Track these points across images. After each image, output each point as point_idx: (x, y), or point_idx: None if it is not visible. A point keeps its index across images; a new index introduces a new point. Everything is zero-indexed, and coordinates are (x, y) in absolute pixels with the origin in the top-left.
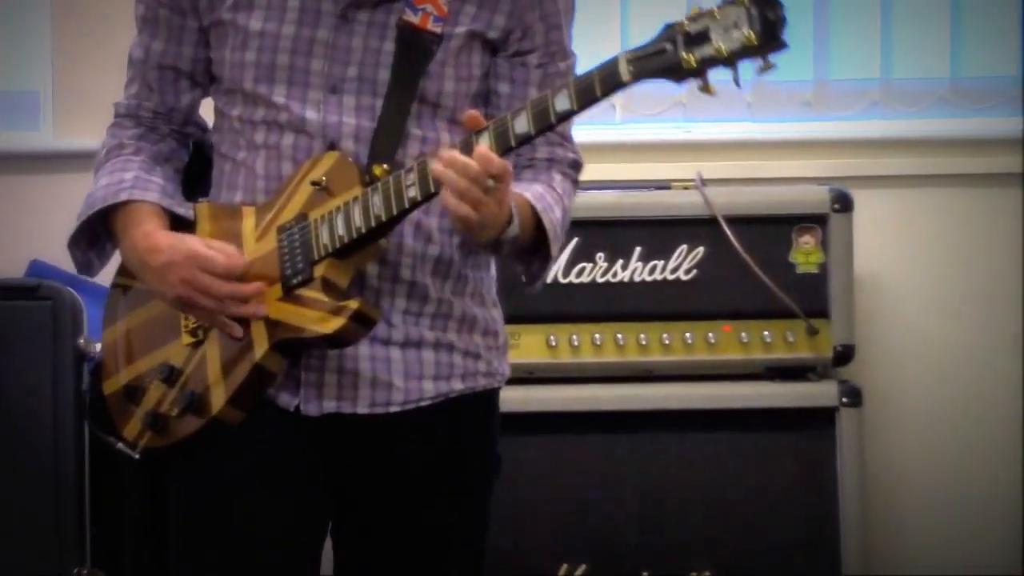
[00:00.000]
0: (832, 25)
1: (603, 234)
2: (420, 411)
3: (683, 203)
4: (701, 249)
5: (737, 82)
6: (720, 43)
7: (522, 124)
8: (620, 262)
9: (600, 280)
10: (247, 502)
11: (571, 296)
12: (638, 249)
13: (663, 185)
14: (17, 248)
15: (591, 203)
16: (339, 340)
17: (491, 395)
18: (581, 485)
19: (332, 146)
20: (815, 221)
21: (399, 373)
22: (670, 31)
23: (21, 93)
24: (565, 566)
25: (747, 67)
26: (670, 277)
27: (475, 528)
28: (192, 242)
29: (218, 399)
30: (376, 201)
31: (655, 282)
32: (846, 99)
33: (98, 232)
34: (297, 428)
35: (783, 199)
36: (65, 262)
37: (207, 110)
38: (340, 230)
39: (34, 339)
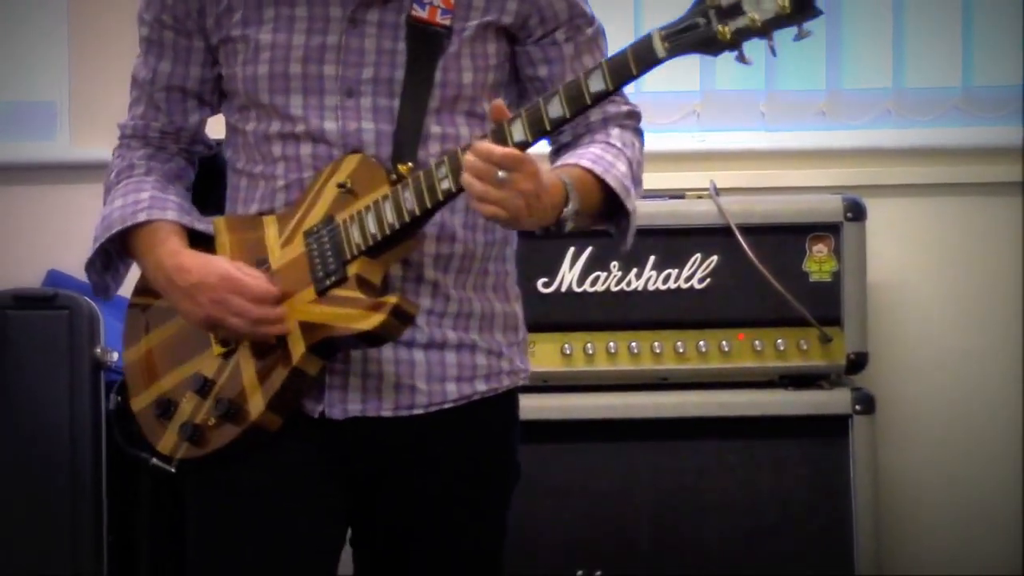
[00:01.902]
0: (845, 35)
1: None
2: (443, 413)
3: (697, 212)
4: (715, 258)
5: (773, 51)
6: (754, 14)
7: (556, 108)
8: (634, 271)
9: (614, 289)
10: (267, 511)
11: (585, 305)
12: (652, 258)
13: (677, 194)
14: (34, 258)
15: None
16: (379, 336)
17: (513, 395)
18: (595, 492)
19: (355, 150)
20: (828, 230)
21: (422, 376)
22: (701, 5)
23: (37, 103)
24: (580, 572)
25: (784, 35)
26: (684, 286)
27: (495, 534)
28: (224, 264)
29: (256, 405)
30: (408, 196)
31: (669, 291)
32: (859, 108)
33: (111, 254)
34: (320, 433)
35: (796, 208)
36: (82, 272)
37: (215, 126)
38: (372, 228)
39: (51, 348)
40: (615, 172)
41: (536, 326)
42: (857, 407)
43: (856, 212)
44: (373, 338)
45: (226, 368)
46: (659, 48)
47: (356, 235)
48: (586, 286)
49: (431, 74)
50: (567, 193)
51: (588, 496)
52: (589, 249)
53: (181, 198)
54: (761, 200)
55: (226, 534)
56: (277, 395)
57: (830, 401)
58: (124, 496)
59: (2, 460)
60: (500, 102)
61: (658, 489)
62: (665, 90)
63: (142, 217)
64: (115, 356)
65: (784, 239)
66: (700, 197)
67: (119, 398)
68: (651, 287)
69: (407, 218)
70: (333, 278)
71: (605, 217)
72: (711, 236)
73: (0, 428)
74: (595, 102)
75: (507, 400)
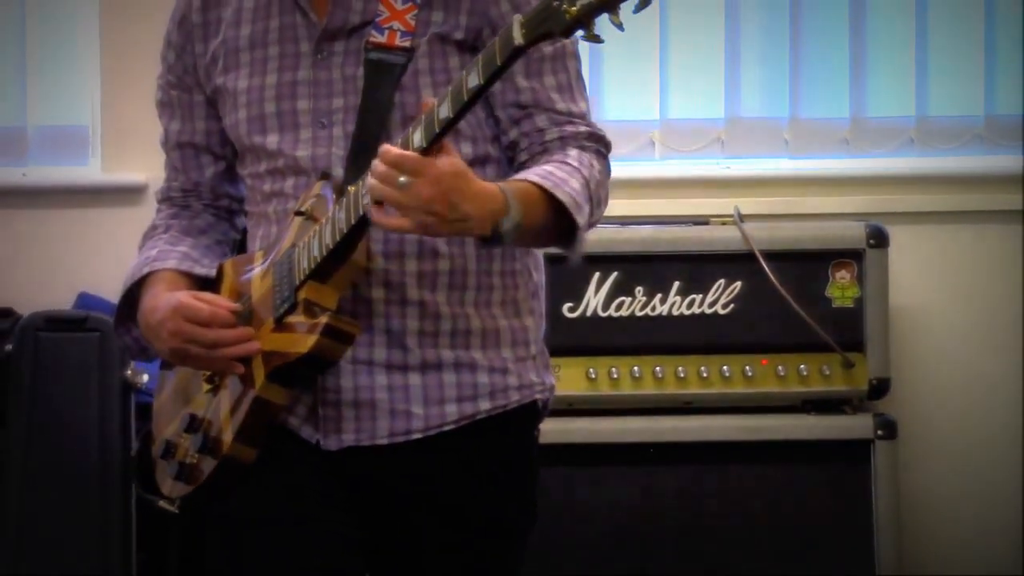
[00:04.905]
0: (869, 63)
1: (642, 268)
2: (445, 436)
3: (721, 238)
4: (739, 283)
5: (620, 26)
6: None
7: (444, 110)
8: (659, 296)
9: (639, 314)
10: (278, 539)
11: (610, 329)
12: (676, 283)
13: (701, 220)
14: (65, 280)
15: (630, 238)
16: (318, 358)
17: (526, 413)
18: (619, 516)
19: (325, 175)
20: (851, 256)
21: (418, 400)
22: None
23: (70, 127)
24: None
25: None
26: (708, 311)
27: (508, 561)
28: (179, 295)
29: (228, 437)
30: (340, 216)
31: (693, 316)
32: (882, 136)
33: None
34: (322, 462)
35: (820, 235)
36: (113, 294)
37: None
38: (315, 251)
39: (82, 370)
40: (566, 188)
41: (561, 350)
42: (879, 432)
43: (879, 239)
44: (313, 360)
45: (212, 404)
46: (517, 36)
47: (304, 260)
48: (611, 311)
49: (390, 95)
50: (507, 203)
51: (612, 519)
52: (614, 274)
53: (194, 248)
54: (785, 226)
55: (242, 566)
56: (243, 426)
57: (852, 426)
58: (153, 514)
59: (34, 480)
60: (429, 100)
61: (681, 512)
62: (690, 117)
63: (145, 271)
64: (145, 378)
65: (807, 265)
66: (724, 223)
67: (141, 445)
68: (675, 312)
69: (339, 237)
70: (286, 305)
71: (558, 237)
72: (735, 262)
73: (32, 448)
74: (473, 98)
75: (519, 422)
